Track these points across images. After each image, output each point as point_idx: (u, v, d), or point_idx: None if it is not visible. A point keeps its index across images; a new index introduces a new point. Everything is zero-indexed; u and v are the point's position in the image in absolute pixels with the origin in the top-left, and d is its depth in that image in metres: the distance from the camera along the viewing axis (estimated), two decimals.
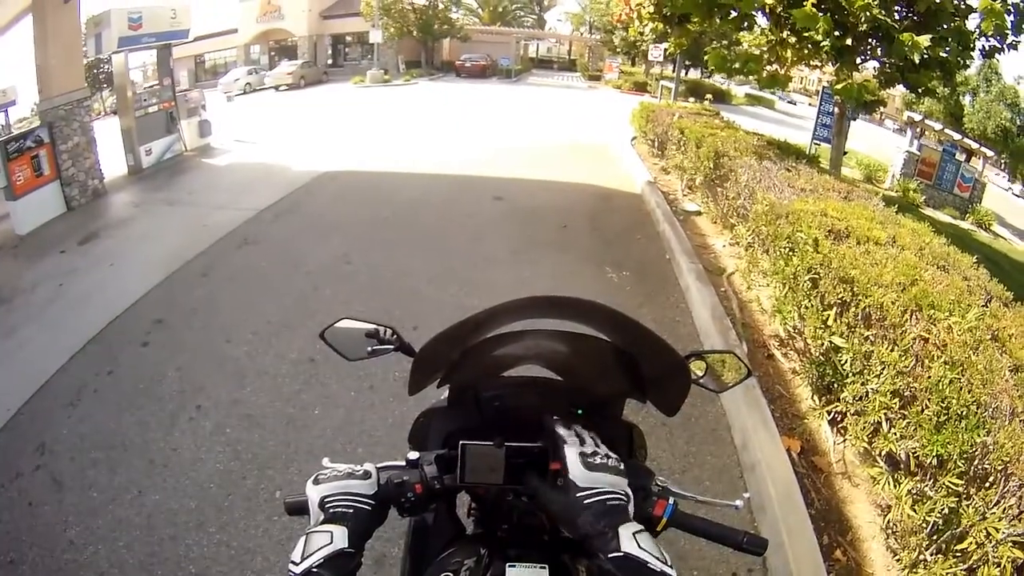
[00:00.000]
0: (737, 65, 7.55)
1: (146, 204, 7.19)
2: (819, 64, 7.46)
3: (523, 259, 5.24)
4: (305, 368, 3.57)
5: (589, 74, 35.46)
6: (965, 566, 1.87)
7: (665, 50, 15.83)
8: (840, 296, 2.85)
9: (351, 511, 0.96)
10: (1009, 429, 1.99)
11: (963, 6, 6.34)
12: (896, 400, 2.32)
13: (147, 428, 3.08)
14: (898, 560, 2.23)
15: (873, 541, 2.44)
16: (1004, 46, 6.50)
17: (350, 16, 31.15)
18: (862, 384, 2.52)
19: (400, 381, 1.18)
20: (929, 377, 2.20)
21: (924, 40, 5.58)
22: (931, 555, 2.02)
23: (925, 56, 6.08)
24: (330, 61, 33.71)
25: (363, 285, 4.74)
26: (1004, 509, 1.82)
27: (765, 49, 6.97)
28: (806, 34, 6.10)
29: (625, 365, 1.13)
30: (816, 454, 2.92)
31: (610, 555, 0.76)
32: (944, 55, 6.23)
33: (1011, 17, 6.23)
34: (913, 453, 2.20)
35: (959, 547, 1.91)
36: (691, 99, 19.09)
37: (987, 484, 1.94)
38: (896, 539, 2.29)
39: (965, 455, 1.98)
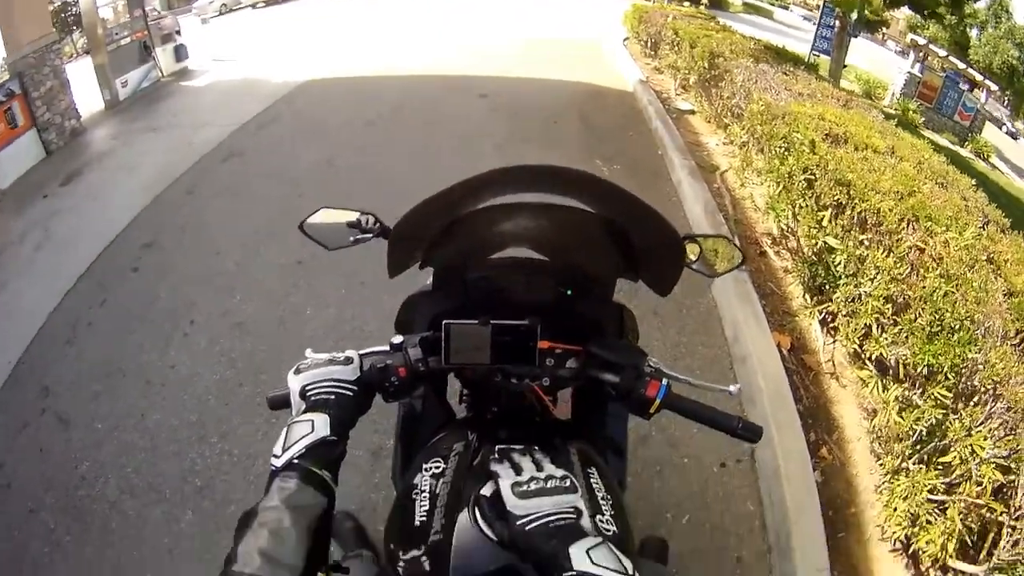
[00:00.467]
0: None
1: (125, 135, 6.96)
2: None
3: (511, 155, 5.14)
4: (293, 271, 3.59)
5: None
6: (947, 480, 1.89)
7: None
8: (836, 198, 2.81)
9: (333, 398, 0.93)
10: (1001, 350, 1.99)
11: None
12: (889, 306, 2.31)
13: (143, 351, 3.10)
14: (881, 464, 2.27)
15: (858, 443, 2.50)
16: None
17: None
18: (855, 286, 2.51)
19: (388, 275, 1.16)
20: (924, 287, 2.19)
21: None
22: (914, 464, 2.05)
23: None
24: None
25: (348, 189, 4.70)
26: (990, 430, 1.82)
27: None
28: None
29: (617, 242, 1.09)
30: (806, 352, 2.96)
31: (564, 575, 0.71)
32: None
33: None
34: (903, 360, 2.20)
35: (942, 460, 1.93)
36: (686, 3, 18.04)
37: (975, 402, 1.95)
38: (880, 444, 2.33)
39: (955, 368, 1.98)
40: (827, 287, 2.83)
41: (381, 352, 1.04)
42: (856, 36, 11.14)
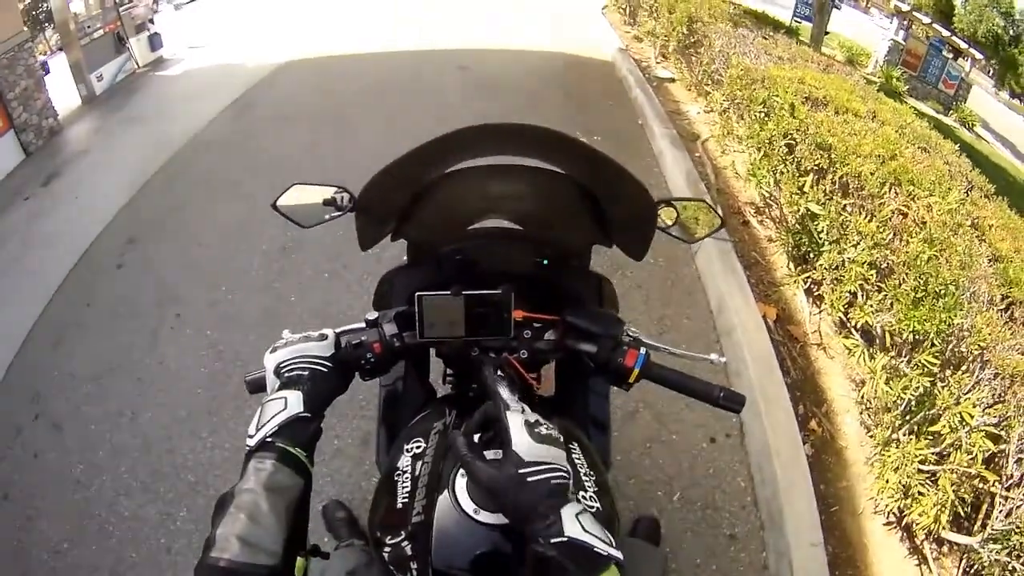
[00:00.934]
0: None
1: (103, 130, 6.85)
2: None
3: None
4: (278, 258, 3.59)
5: None
6: (937, 449, 1.90)
7: None
8: (817, 163, 2.79)
9: (307, 374, 0.92)
10: (987, 315, 1.99)
11: None
12: (873, 272, 2.31)
13: (132, 348, 3.08)
14: (871, 436, 2.28)
15: (847, 415, 2.52)
16: None
17: None
18: (839, 253, 2.51)
19: (372, 257, 1.15)
20: (907, 252, 2.18)
21: None
22: (904, 435, 2.05)
23: None
24: None
25: (329, 171, 4.62)
26: (979, 397, 1.82)
27: None
28: None
29: (588, 206, 1.07)
30: (792, 323, 2.97)
31: (553, 540, 0.67)
32: None
33: None
34: (889, 328, 2.20)
35: (932, 429, 1.93)
36: None
37: (962, 368, 1.95)
38: (870, 415, 2.34)
39: (941, 335, 1.97)
40: (811, 255, 2.83)
41: (357, 329, 1.03)
42: (839, 7, 11.05)
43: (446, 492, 0.83)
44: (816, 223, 2.70)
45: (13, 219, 4.89)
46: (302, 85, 7.09)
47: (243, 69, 7.98)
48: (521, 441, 0.74)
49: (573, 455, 0.98)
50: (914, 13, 18.79)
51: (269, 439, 0.82)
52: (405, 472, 0.94)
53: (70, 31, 7.98)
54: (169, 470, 2.43)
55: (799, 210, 2.86)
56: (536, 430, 0.75)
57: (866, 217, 2.42)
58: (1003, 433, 1.77)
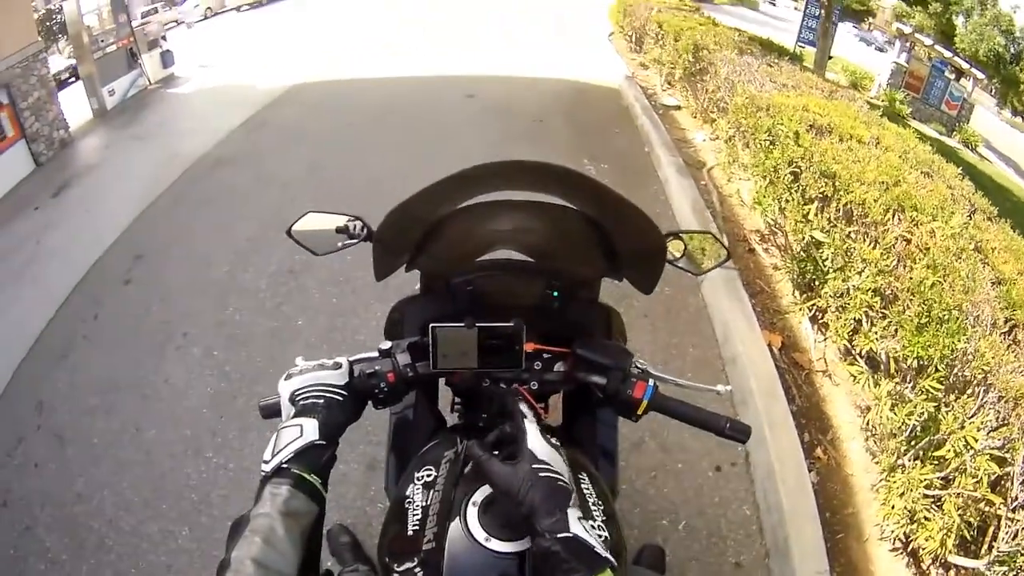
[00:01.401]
0: None
1: (114, 144, 6.95)
2: None
3: (499, 154, 5.07)
4: (285, 280, 3.61)
5: None
6: (942, 474, 1.89)
7: None
8: (821, 191, 2.80)
9: (322, 402, 0.94)
10: (990, 339, 1.98)
11: None
12: (877, 299, 2.31)
13: (138, 364, 3.09)
14: (877, 463, 2.27)
15: (853, 442, 2.50)
16: None
17: None
18: (843, 280, 2.51)
19: (379, 283, 1.17)
20: (911, 278, 2.18)
21: None
22: (909, 460, 2.04)
23: None
24: None
25: (338, 193, 4.71)
26: (983, 421, 1.82)
27: None
28: None
29: (599, 240, 1.09)
30: (797, 350, 2.96)
31: (559, 535, 0.71)
32: None
33: None
34: (893, 354, 2.20)
35: (937, 454, 1.92)
36: None
37: (966, 393, 1.94)
38: (875, 441, 2.34)
39: (945, 359, 1.97)
40: (816, 283, 2.83)
41: (370, 358, 1.05)
42: (841, 22, 11.20)
43: (457, 520, 0.83)
44: (821, 251, 2.70)
45: (23, 228, 4.97)
46: (311, 108, 7.18)
47: (253, 90, 8.11)
48: (536, 442, 0.79)
49: (582, 484, 0.98)
50: (916, 35, 18.95)
51: (285, 465, 0.83)
52: (415, 500, 0.94)
53: (83, 44, 8.10)
54: (172, 488, 2.42)
55: (804, 238, 2.86)
56: (547, 437, 0.81)
57: (870, 244, 2.42)
58: (1008, 456, 1.76)
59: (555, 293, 1.17)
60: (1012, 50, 25.02)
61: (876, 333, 2.28)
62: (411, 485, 0.97)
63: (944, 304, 2.04)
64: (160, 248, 4.22)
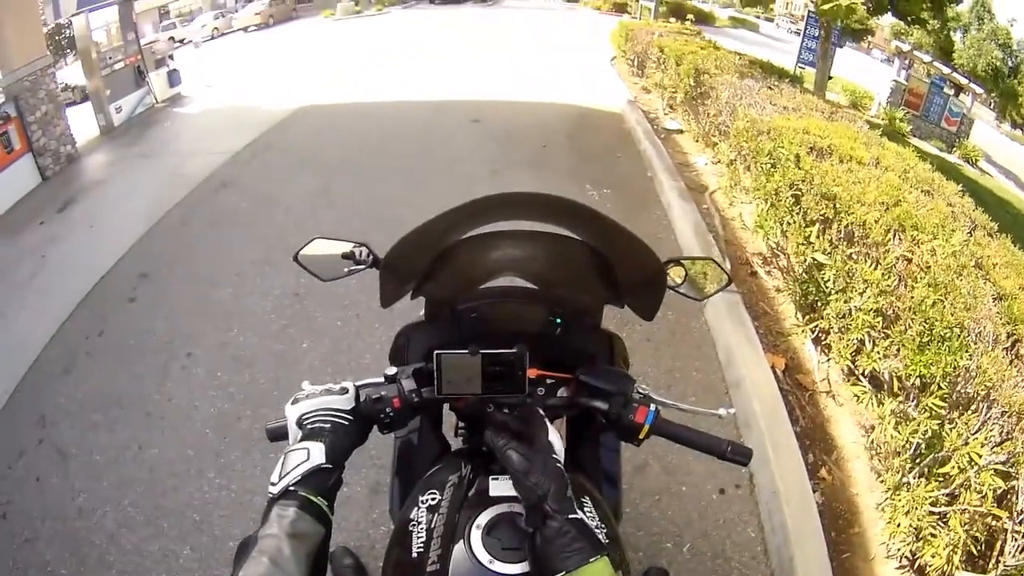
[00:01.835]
0: None
1: (121, 161, 7.01)
2: None
3: (503, 180, 5.24)
4: (290, 303, 3.62)
5: None
6: (947, 491, 1.89)
7: None
8: (822, 213, 2.83)
9: (328, 426, 0.95)
10: (992, 355, 1.99)
11: None
12: (879, 319, 2.32)
13: (142, 382, 3.09)
14: (882, 481, 2.27)
15: (857, 461, 2.50)
16: None
17: None
18: (845, 301, 2.53)
19: (383, 308, 1.19)
20: (912, 297, 2.20)
21: None
22: (914, 478, 2.05)
23: None
24: None
25: (343, 217, 4.76)
26: (986, 436, 1.82)
27: None
28: None
29: (601, 268, 1.10)
30: (800, 372, 2.97)
31: (569, 516, 0.78)
32: None
33: None
34: (896, 373, 2.21)
35: (941, 471, 1.92)
36: (672, 20, 18.25)
37: (970, 409, 1.95)
38: (880, 460, 2.33)
39: (948, 377, 1.98)
40: (818, 304, 2.85)
41: (376, 383, 1.06)
42: (841, 47, 11.31)
43: (461, 542, 0.85)
44: (822, 272, 2.72)
45: (28, 241, 4.98)
46: (316, 131, 7.26)
47: (259, 112, 8.21)
48: (553, 436, 0.89)
49: (585, 509, 1.00)
50: (914, 52, 19.10)
51: (292, 488, 0.85)
52: (420, 523, 0.95)
53: (92, 59, 8.19)
54: (174, 507, 2.41)
55: (806, 260, 2.88)
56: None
57: (871, 265, 2.43)
58: (1012, 470, 1.77)
59: (558, 320, 1.19)
60: (1010, 63, 25.26)
61: (879, 353, 2.29)
62: (415, 508, 0.98)
63: (946, 322, 2.06)
64: (165, 267, 4.23)
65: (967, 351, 1.99)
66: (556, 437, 0.89)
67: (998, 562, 1.78)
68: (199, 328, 3.48)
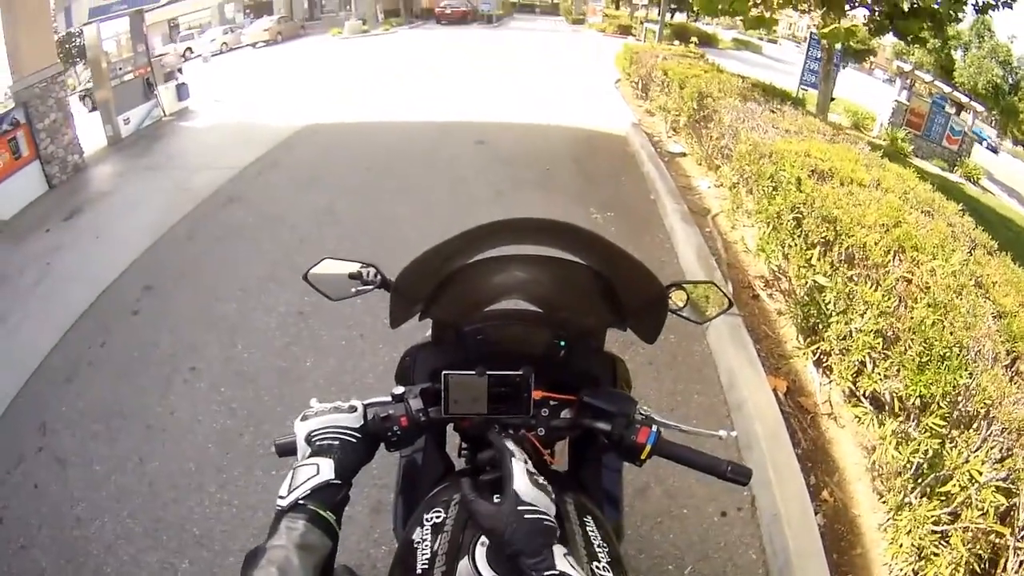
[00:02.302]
0: (722, 5, 7.36)
1: (127, 173, 7.06)
2: (807, 8, 7.29)
3: (508, 201, 5.29)
4: (295, 321, 3.63)
5: (572, 18, 34.33)
6: (949, 509, 1.89)
7: None
8: (823, 235, 2.85)
9: (337, 443, 0.97)
10: (992, 373, 2.00)
11: None
12: (879, 340, 2.33)
13: (144, 394, 3.10)
14: (884, 502, 2.27)
15: (859, 483, 2.50)
16: (998, 3, 6.36)
17: None
18: (846, 323, 2.54)
19: (388, 328, 1.21)
20: (912, 318, 2.21)
21: None
22: (916, 498, 2.05)
23: (915, 4, 5.96)
24: (307, 14, 32.49)
25: (349, 235, 4.78)
26: (987, 453, 1.83)
27: None
28: None
29: (604, 292, 1.13)
30: (802, 394, 2.97)
31: (545, 573, 0.76)
32: (935, 6, 6.13)
33: None
34: (896, 394, 2.22)
35: (943, 490, 1.93)
36: (676, 42, 18.44)
37: (970, 427, 1.96)
38: (882, 481, 2.33)
39: (948, 396, 1.99)
40: (820, 326, 2.86)
41: (384, 402, 1.08)
42: (844, 68, 11.41)
43: (466, 559, 0.86)
44: (823, 295, 2.73)
45: (34, 249, 5.01)
46: (323, 149, 7.32)
47: (266, 128, 8.28)
48: (521, 483, 0.83)
49: (587, 528, 1.02)
50: (916, 72, 19.24)
51: (302, 501, 0.87)
52: (424, 541, 0.97)
53: (101, 69, 8.28)
54: (174, 520, 2.41)
55: (807, 282, 2.90)
56: (534, 478, 0.84)
57: (871, 286, 2.45)
58: (1013, 487, 1.77)
59: (562, 343, 1.21)
60: (1010, 80, 25.45)
61: (879, 374, 2.30)
62: (420, 527, 1.00)
63: (945, 342, 2.07)
64: (170, 280, 4.25)
65: (967, 370, 2.00)
66: (523, 480, 0.83)
67: None
68: (203, 342, 3.48)
